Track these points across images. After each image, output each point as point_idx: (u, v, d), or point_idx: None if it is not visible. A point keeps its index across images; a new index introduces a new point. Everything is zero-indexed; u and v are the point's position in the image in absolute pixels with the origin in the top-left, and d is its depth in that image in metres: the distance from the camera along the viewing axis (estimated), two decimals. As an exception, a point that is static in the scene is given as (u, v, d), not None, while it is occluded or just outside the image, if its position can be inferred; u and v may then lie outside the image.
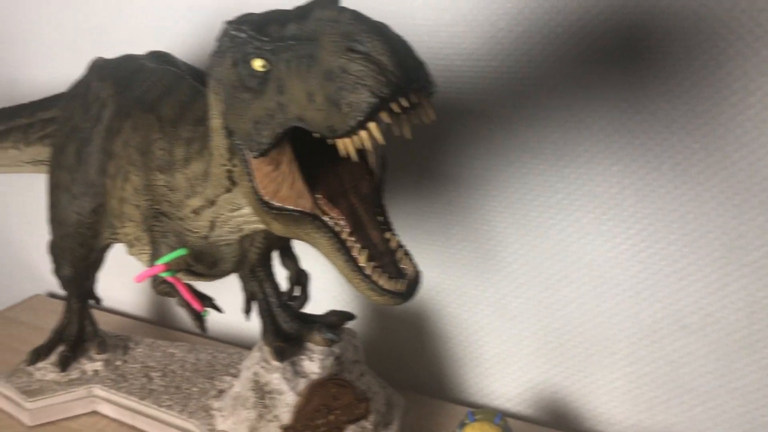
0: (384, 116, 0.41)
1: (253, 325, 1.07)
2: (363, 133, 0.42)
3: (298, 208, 0.51)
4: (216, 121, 0.54)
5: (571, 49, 0.77)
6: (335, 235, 0.50)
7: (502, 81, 0.81)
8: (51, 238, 0.87)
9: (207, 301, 0.64)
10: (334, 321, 0.82)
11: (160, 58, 0.81)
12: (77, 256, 0.84)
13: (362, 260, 0.48)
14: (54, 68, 1.16)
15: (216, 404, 0.88)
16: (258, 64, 0.47)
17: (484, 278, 0.91)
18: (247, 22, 0.48)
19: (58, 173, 0.80)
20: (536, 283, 0.88)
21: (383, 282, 0.48)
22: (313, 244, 0.51)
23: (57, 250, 0.86)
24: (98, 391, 0.93)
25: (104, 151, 0.72)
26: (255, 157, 0.49)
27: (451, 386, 0.99)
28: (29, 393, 0.91)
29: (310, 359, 0.80)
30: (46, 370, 0.95)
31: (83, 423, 0.91)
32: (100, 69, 0.80)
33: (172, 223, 0.65)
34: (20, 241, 1.35)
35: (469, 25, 0.80)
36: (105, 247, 0.85)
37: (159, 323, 1.21)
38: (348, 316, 0.83)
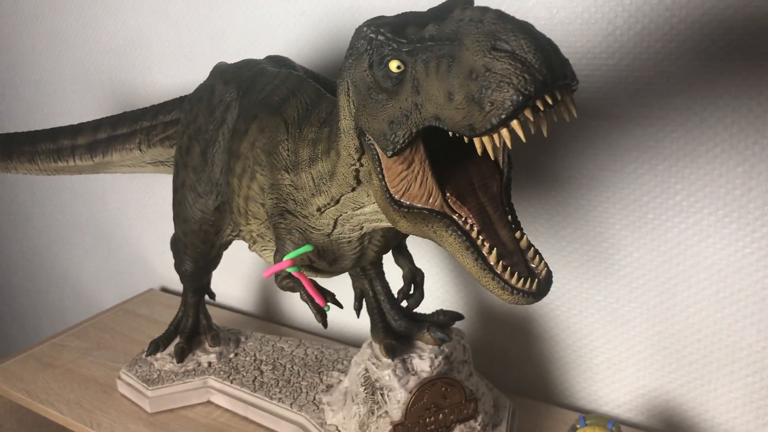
0: (528, 114, 0.41)
1: (357, 323, 1.09)
2: (504, 131, 0.42)
3: (428, 206, 0.51)
4: (346, 122, 0.55)
5: (694, 45, 0.74)
6: (464, 234, 0.50)
7: (619, 79, 0.79)
8: (175, 234, 0.91)
9: (329, 296, 0.66)
10: (444, 320, 0.83)
11: (278, 61, 0.84)
12: (199, 251, 0.88)
13: (492, 259, 0.48)
14: (172, 74, 1.21)
15: (325, 399, 0.90)
16: (394, 65, 0.48)
17: (596, 281, 0.89)
18: (384, 25, 0.49)
19: (184, 173, 0.84)
20: (652, 287, 0.85)
21: (514, 281, 0.48)
22: (442, 242, 0.52)
23: (180, 245, 0.91)
24: (212, 382, 0.97)
25: (230, 151, 0.75)
26: (389, 156, 0.50)
27: (559, 390, 0.97)
28: (150, 382, 0.96)
29: (420, 357, 0.80)
30: (164, 361, 1.00)
31: (198, 412, 0.95)
32: (223, 73, 0.83)
33: (296, 221, 0.67)
34: (137, 238, 1.42)
35: (585, 23, 0.79)
36: (226, 244, 0.89)
37: (267, 319, 1.25)
38: (457, 316, 0.83)
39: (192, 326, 1.02)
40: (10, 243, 1.73)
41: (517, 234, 0.50)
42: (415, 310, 0.85)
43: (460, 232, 0.50)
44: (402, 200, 0.52)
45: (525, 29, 0.41)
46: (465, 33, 0.42)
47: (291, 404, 0.90)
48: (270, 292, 1.25)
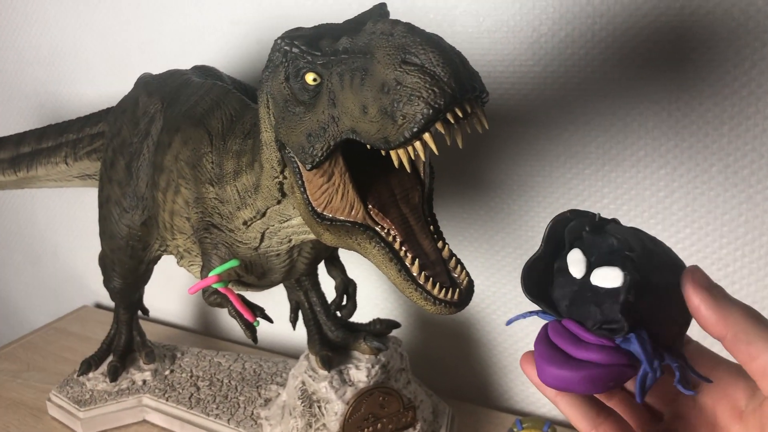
0: (439, 126, 0.41)
1: (295, 334, 1.08)
2: (418, 144, 0.42)
3: (350, 219, 0.51)
4: (267, 135, 0.55)
5: (615, 52, 0.76)
6: (387, 245, 0.50)
7: (545, 86, 0.80)
8: (101, 250, 0.88)
9: (258, 311, 0.65)
10: (380, 329, 0.82)
11: (205, 72, 0.82)
12: (127, 268, 0.86)
13: (414, 269, 0.48)
14: (100, 84, 1.18)
15: (263, 413, 0.89)
16: (310, 78, 0.47)
17: (529, 285, 0.90)
18: (299, 37, 0.48)
19: (109, 187, 0.82)
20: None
21: (436, 291, 0.48)
22: (365, 254, 0.51)
23: (107, 262, 0.88)
24: (147, 400, 0.94)
25: (154, 164, 0.74)
26: (308, 170, 0.49)
27: (497, 394, 0.98)
28: (81, 402, 0.93)
29: (357, 368, 0.80)
30: (97, 380, 0.97)
31: (134, 432, 0.93)
32: (147, 84, 0.81)
33: (222, 235, 0.66)
34: (68, 253, 1.38)
35: (510, 31, 0.80)
36: (154, 259, 0.87)
37: (204, 333, 1.23)
38: (393, 325, 0.83)
39: (125, 344, 1.00)
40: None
41: (439, 244, 0.50)
42: (351, 320, 0.84)
43: (383, 244, 0.50)
44: (324, 213, 0.52)
45: (434, 42, 0.41)
46: (376, 46, 0.42)
47: (228, 420, 0.89)
48: (206, 305, 1.23)
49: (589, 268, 0.39)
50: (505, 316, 0.93)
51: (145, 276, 0.90)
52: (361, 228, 0.51)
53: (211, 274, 0.63)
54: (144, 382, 0.97)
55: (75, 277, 1.38)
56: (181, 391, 0.95)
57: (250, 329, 0.64)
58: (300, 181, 0.52)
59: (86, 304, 1.35)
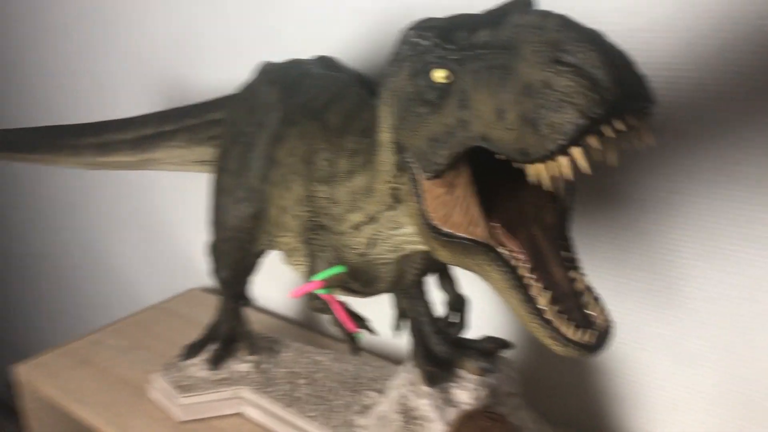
0: (592, 141, 0.34)
1: (401, 341, 1.04)
2: (562, 160, 0.35)
3: (471, 237, 0.45)
4: (385, 135, 0.50)
5: (789, 58, 0.66)
6: (512, 271, 0.43)
7: (702, 95, 0.71)
8: (211, 239, 0.87)
9: (361, 321, 0.61)
10: (490, 348, 0.76)
11: (326, 63, 0.79)
12: (234, 259, 0.84)
13: (543, 302, 0.42)
14: (224, 70, 1.18)
15: (359, 421, 0.85)
16: (439, 75, 0.42)
17: (661, 312, 0.81)
18: (431, 28, 0.43)
19: (222, 177, 0.80)
20: (726, 325, 0.77)
21: (567, 330, 0.41)
22: (485, 277, 0.45)
23: (216, 251, 0.87)
24: (245, 393, 0.93)
25: (268, 157, 0.71)
26: (427, 178, 0.44)
27: (613, 427, 0.89)
28: (182, 388, 0.93)
29: (462, 388, 0.75)
30: (198, 367, 0.96)
31: (229, 423, 0.91)
32: (267, 73, 0.79)
33: (330, 238, 0.62)
34: (181, 236, 1.40)
35: (665, 31, 0.71)
36: (261, 253, 0.84)
37: (308, 327, 1.21)
38: (505, 344, 0.77)
39: (228, 332, 0.99)
40: (59, 233, 1.75)
41: (574, 274, 0.43)
42: (459, 335, 0.79)
43: (506, 269, 0.44)
44: (441, 227, 0.46)
45: (594, 39, 0.34)
46: (523, 41, 0.36)
47: (323, 423, 0.86)
48: (312, 299, 1.21)
49: None
50: (631, 345, 0.84)
51: (252, 268, 0.88)
52: (482, 248, 0.45)
53: (315, 279, 0.59)
54: (244, 373, 0.96)
55: (186, 259, 1.40)
56: (279, 387, 0.93)
57: (351, 340, 0.59)
58: (417, 190, 0.47)
59: (195, 287, 1.37)
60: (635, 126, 0.35)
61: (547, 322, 0.41)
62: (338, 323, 0.60)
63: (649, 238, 0.79)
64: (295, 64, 0.78)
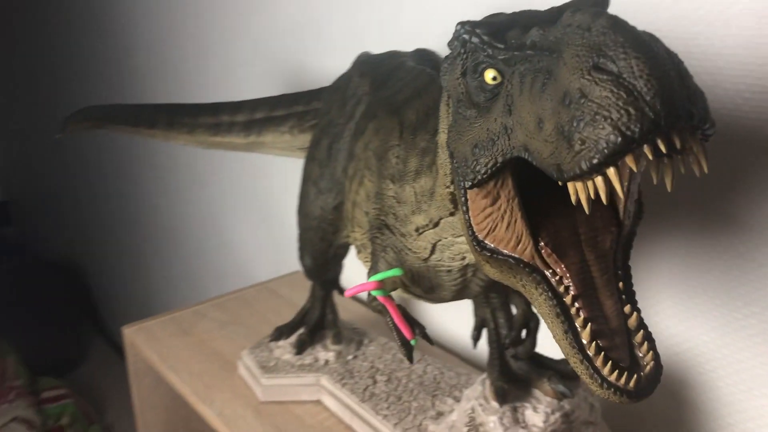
0: (629, 161, 0.29)
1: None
2: (599, 180, 0.31)
3: (515, 255, 0.41)
4: (443, 136, 0.47)
5: None
6: (556, 297, 0.39)
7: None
8: (298, 226, 0.88)
9: (418, 328, 0.58)
10: (570, 371, 0.71)
11: (423, 56, 0.76)
12: (317, 249, 0.84)
13: (585, 335, 0.37)
14: (340, 58, 1.19)
15: (431, 427, 0.82)
16: (489, 76, 0.38)
17: (777, 357, 0.71)
18: (482, 24, 0.39)
19: (311, 166, 0.80)
20: None
21: (606, 371, 0.36)
22: (531, 299, 0.41)
23: (301, 239, 0.88)
24: (325, 381, 0.93)
25: (349, 150, 0.70)
26: (467, 187, 0.40)
27: (709, 475, 0.81)
28: (265, 369, 0.95)
29: (535, 409, 0.70)
30: (283, 350, 0.98)
31: (306, 410, 0.92)
32: (362, 64, 0.78)
33: (393, 239, 0.59)
34: (292, 220, 1.43)
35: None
36: (344, 245, 0.84)
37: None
38: (588, 369, 0.71)
39: (317, 320, 1.00)
40: (185, 206, 1.85)
41: (627, 308, 0.38)
42: (540, 353, 0.74)
43: (550, 294, 0.39)
44: (486, 242, 0.42)
45: (641, 45, 0.29)
46: (567, 43, 0.32)
47: (395, 424, 0.84)
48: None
49: None
50: (737, 387, 0.75)
51: (336, 259, 0.88)
52: (526, 269, 0.41)
53: (371, 279, 0.57)
54: (326, 362, 0.96)
55: (293, 243, 1.43)
56: (358, 380, 0.93)
57: (406, 347, 0.57)
58: (464, 198, 0.43)
59: (299, 270, 1.39)
60: (685, 147, 0.29)
61: (587, 358, 0.37)
62: (394, 327, 0.58)
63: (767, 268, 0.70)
64: (390, 56, 0.77)
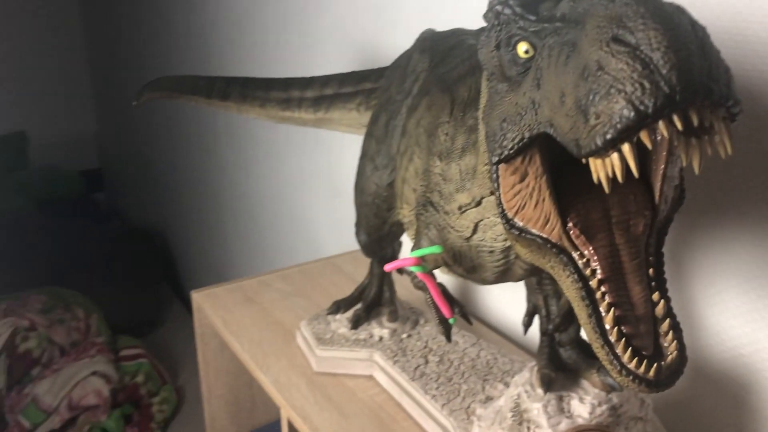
0: (644, 137, 0.28)
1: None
2: (615, 157, 0.30)
3: (543, 234, 0.40)
4: (482, 113, 0.46)
5: None
6: (582, 279, 0.38)
7: None
8: (355, 202, 0.89)
9: (458, 307, 0.58)
10: (622, 364, 0.69)
11: (486, 34, 0.75)
12: (371, 225, 0.85)
13: (608, 321, 0.36)
14: (414, 36, 1.18)
15: (479, 410, 0.82)
16: (522, 49, 0.37)
17: None
18: None
19: (368, 142, 0.81)
20: None
21: (626, 357, 0.35)
22: (559, 281, 0.40)
23: (357, 214, 0.88)
24: (378, 357, 0.94)
25: (403, 126, 0.70)
26: (494, 163, 0.40)
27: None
28: (321, 341, 0.97)
29: (581, 400, 0.69)
30: (340, 323, 1.00)
31: (358, 384, 0.93)
32: (424, 41, 0.77)
33: (437, 216, 0.59)
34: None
35: None
36: (399, 222, 0.84)
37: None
38: (641, 363, 0.68)
39: (374, 296, 1.01)
40: (261, 179, 1.90)
41: (655, 296, 0.37)
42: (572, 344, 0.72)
43: (576, 276, 0.38)
44: (515, 220, 0.42)
45: (663, 16, 0.27)
46: (591, 14, 0.30)
47: (443, 405, 0.84)
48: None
49: None
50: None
51: (391, 237, 0.88)
52: (554, 249, 0.39)
53: (411, 255, 0.57)
54: (380, 338, 0.97)
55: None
56: (410, 359, 0.93)
57: (444, 325, 0.57)
58: (495, 175, 0.42)
59: (366, 247, 1.41)
60: (706, 125, 0.28)
61: (608, 344, 0.36)
62: (433, 305, 0.57)
63: None
64: (453, 34, 0.76)
